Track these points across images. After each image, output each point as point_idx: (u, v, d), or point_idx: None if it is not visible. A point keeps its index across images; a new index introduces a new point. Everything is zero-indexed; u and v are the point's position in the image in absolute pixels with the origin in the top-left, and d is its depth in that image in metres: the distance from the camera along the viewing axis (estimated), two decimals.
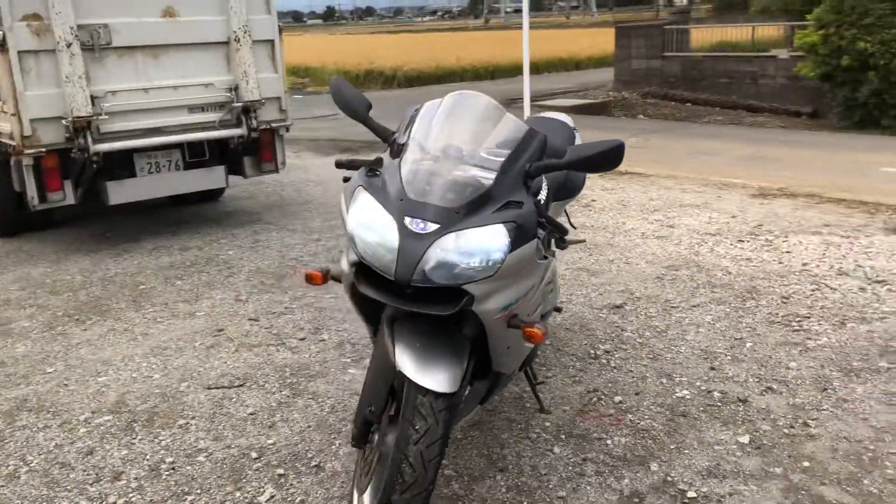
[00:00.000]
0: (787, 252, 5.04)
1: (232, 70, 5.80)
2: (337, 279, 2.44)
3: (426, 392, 2.12)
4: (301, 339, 3.99)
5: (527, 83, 8.91)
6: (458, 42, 33.23)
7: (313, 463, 2.83)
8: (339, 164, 2.63)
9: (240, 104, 5.79)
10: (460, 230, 2.10)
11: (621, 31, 15.89)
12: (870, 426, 2.91)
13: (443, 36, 41.99)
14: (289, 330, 4.12)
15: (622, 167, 7.97)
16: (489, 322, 2.22)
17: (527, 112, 8.70)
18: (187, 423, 3.17)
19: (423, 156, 2.29)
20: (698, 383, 3.29)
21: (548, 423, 3.03)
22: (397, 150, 2.34)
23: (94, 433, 3.10)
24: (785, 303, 4.16)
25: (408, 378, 2.14)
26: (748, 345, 3.65)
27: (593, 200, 6.83)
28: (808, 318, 3.93)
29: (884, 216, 5.86)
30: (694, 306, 4.17)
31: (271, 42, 6.02)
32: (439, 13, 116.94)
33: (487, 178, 2.20)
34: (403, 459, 2.07)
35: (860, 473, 2.62)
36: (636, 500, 2.54)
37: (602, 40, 28.32)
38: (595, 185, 7.45)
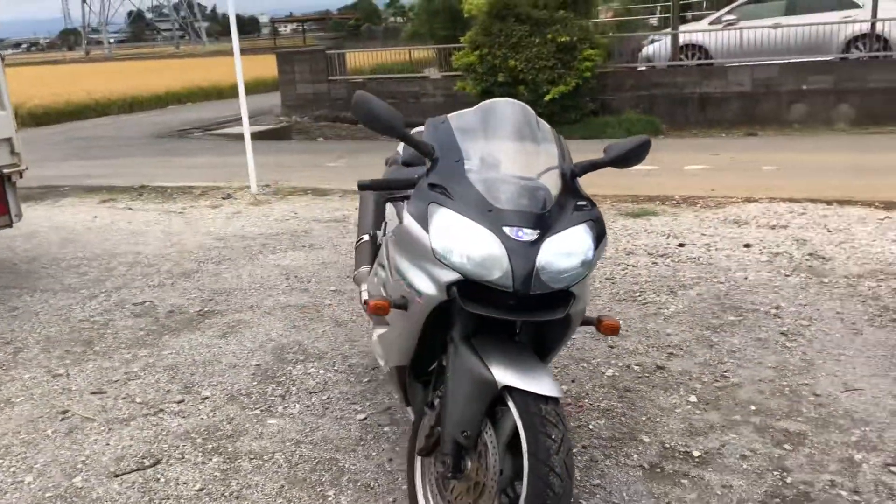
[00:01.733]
0: None
1: None
2: (402, 307, 2.26)
3: (547, 400, 2.09)
4: (179, 402, 3.50)
5: (244, 106, 8.62)
6: (71, 75, 30.45)
7: None
8: (361, 186, 2.44)
9: None
10: (557, 233, 2.11)
11: (283, 57, 15.96)
12: (767, 367, 3.45)
13: (48, 69, 38.08)
14: (154, 395, 3.58)
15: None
16: (575, 321, 2.25)
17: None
18: None
19: (484, 165, 2.24)
20: (613, 360, 3.60)
21: None
22: (446, 165, 2.25)
23: None
24: (612, 283, 4.68)
25: (520, 390, 2.09)
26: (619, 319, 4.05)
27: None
28: (644, 292, 4.48)
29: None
30: None
31: None
32: (23, 45, 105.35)
33: (554, 180, 2.23)
34: (550, 471, 2.02)
35: (795, 405, 3.11)
36: (658, 470, 2.73)
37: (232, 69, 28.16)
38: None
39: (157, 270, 5.52)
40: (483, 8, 12.99)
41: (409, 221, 2.20)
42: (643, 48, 14.64)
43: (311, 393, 3.52)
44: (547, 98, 12.43)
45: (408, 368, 2.52)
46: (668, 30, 14.49)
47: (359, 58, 16.78)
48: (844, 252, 4.99)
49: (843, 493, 2.52)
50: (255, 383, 3.65)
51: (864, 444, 2.80)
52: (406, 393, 2.63)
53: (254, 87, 23.78)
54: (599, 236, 2.20)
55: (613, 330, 2.25)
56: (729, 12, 14.20)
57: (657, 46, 14.23)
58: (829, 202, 6.39)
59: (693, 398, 3.21)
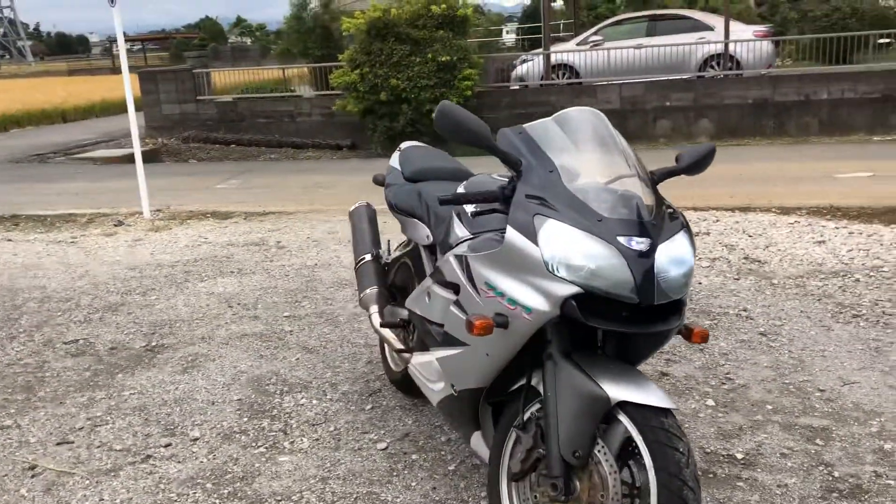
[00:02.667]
0: None
1: None
2: (501, 325, 2.13)
3: (665, 412, 2.05)
4: (166, 446, 3.18)
5: (133, 125, 8.07)
6: None
7: None
8: (444, 201, 2.32)
9: None
10: (666, 241, 2.08)
11: (146, 76, 15.08)
12: (764, 367, 3.58)
13: None
14: (133, 440, 3.23)
15: (270, 207, 7.87)
16: (674, 331, 2.21)
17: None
18: None
19: (577, 175, 2.17)
20: None
21: None
22: (539, 176, 2.16)
23: None
24: None
25: (635, 405, 2.03)
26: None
27: (278, 242, 6.59)
28: None
29: None
30: None
31: None
32: None
33: (643, 188, 2.19)
34: (683, 485, 1.97)
35: (806, 401, 3.24)
36: (711, 475, 2.75)
37: (73, 89, 26.40)
38: (285, 227, 7.20)
39: (76, 305, 5.03)
40: (362, 27, 12.89)
41: (514, 235, 2.10)
42: (515, 68, 15.05)
43: (313, 425, 3.30)
44: (432, 116, 12.48)
45: (483, 391, 2.40)
46: (540, 50, 14.99)
47: (226, 77, 16.21)
48: (775, 255, 5.29)
49: (892, 483, 2.63)
50: (245, 419, 3.38)
51: (886, 433, 2.95)
52: (473, 418, 2.50)
53: (89, 111, 22.60)
54: (693, 241, 2.19)
55: (704, 338, 2.23)
56: (595, 33, 14.89)
57: (529, 66, 14.67)
58: (731, 209, 6.78)
59: (710, 402, 3.27)
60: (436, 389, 2.63)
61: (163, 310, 4.88)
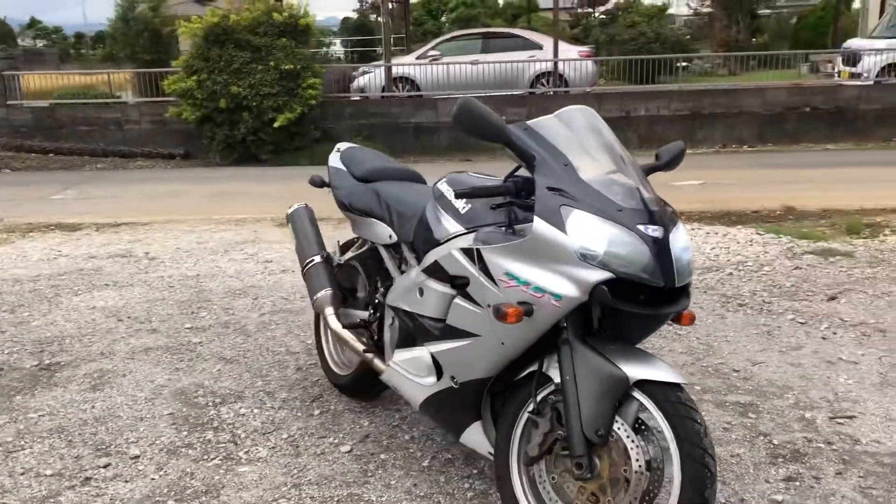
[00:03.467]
0: None
1: None
2: (528, 314, 2.18)
3: (679, 387, 2.19)
4: (104, 466, 2.93)
5: None
6: None
7: None
8: (462, 195, 2.36)
9: None
10: (674, 229, 2.23)
11: None
12: (680, 353, 3.86)
13: None
14: (63, 464, 2.95)
15: (123, 218, 7.41)
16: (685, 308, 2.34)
17: None
18: None
19: (589, 168, 2.27)
20: None
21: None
22: (554, 169, 2.24)
23: None
24: None
25: (652, 382, 2.17)
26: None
27: (147, 253, 6.21)
28: None
29: None
30: None
31: None
32: None
33: (643, 180, 2.34)
34: (704, 453, 2.12)
35: (727, 381, 3.54)
36: None
37: None
38: (146, 237, 6.77)
39: None
40: (199, 32, 12.41)
41: (542, 225, 2.16)
42: (355, 79, 15.09)
43: (264, 434, 3.17)
44: (276, 125, 12.25)
45: (489, 382, 2.44)
46: (380, 62, 15.12)
47: (40, 80, 14.98)
48: None
49: (822, 446, 2.96)
50: (185, 433, 3.19)
51: (803, 404, 3.29)
52: (473, 410, 2.53)
53: None
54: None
55: (692, 320, 2.41)
56: (433, 48, 15.25)
57: (369, 78, 14.77)
58: None
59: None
60: (425, 384, 2.63)
61: (42, 326, 4.46)
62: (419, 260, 2.73)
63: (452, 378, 2.51)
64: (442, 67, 14.26)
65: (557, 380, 2.26)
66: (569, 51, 14.91)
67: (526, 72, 14.56)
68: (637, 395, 2.20)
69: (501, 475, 2.41)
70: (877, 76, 14.29)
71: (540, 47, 14.91)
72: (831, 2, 24.69)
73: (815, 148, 12.81)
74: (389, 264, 3.05)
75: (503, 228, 2.35)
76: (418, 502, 2.67)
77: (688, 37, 25.14)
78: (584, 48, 16.19)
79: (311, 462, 2.95)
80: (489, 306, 2.28)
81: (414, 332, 2.68)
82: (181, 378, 3.72)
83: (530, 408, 2.34)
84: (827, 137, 13.33)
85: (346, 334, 3.08)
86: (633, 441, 2.18)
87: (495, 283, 2.29)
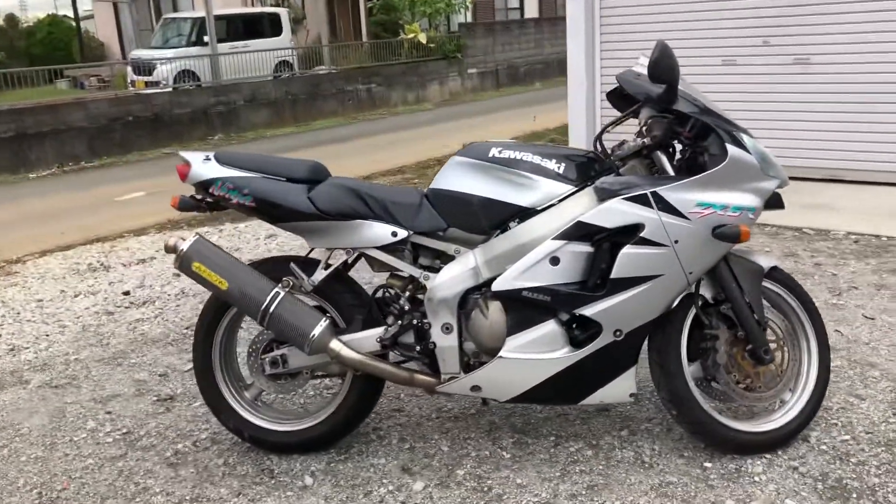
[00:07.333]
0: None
1: None
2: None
3: (776, 268, 2.77)
4: None
5: None
6: None
7: None
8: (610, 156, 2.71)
9: None
10: None
11: None
12: None
13: None
14: None
15: None
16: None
17: None
18: None
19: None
20: None
21: (543, 429, 3.00)
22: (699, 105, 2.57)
23: None
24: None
25: (774, 267, 2.74)
26: None
27: None
28: None
29: None
30: None
31: None
32: None
33: None
34: (816, 308, 2.80)
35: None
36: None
37: None
38: None
39: None
40: None
41: (736, 151, 2.48)
42: None
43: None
44: None
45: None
46: None
47: None
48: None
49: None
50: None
51: None
52: (632, 358, 2.63)
53: None
54: None
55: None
56: None
57: None
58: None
59: None
60: (556, 357, 2.57)
61: None
62: (433, 248, 2.66)
63: (616, 332, 2.53)
64: None
65: (708, 295, 2.64)
66: None
67: None
68: (766, 283, 2.71)
69: (681, 398, 2.63)
70: (174, 82, 15.59)
71: None
72: (59, 17, 24.85)
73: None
74: (398, 264, 2.70)
75: (651, 171, 2.61)
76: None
77: None
78: None
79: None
80: (677, 242, 2.45)
81: (551, 305, 2.55)
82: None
83: (705, 329, 2.66)
84: (154, 143, 13.91)
85: (381, 363, 2.68)
86: (778, 317, 2.74)
87: (685, 218, 2.45)
